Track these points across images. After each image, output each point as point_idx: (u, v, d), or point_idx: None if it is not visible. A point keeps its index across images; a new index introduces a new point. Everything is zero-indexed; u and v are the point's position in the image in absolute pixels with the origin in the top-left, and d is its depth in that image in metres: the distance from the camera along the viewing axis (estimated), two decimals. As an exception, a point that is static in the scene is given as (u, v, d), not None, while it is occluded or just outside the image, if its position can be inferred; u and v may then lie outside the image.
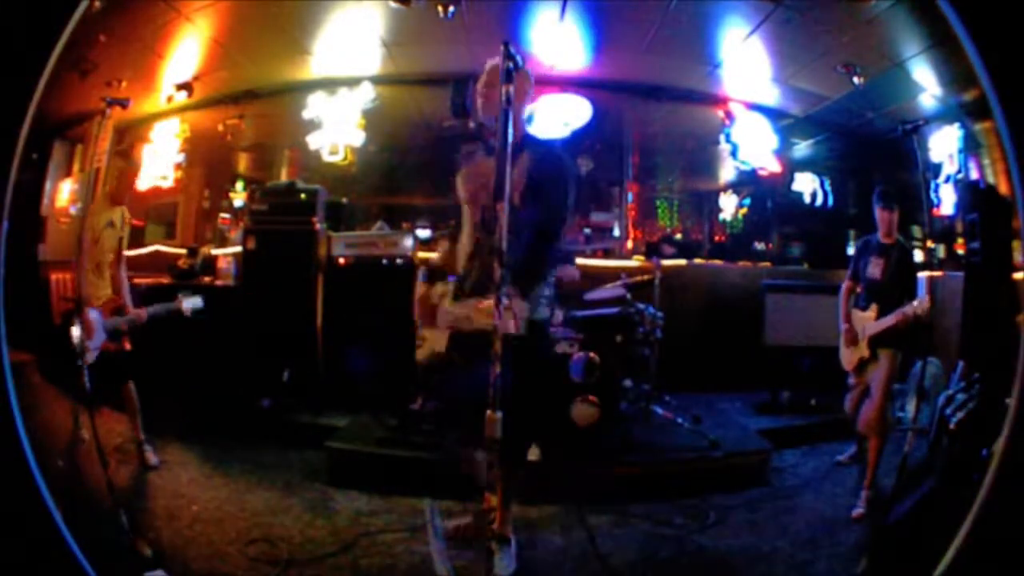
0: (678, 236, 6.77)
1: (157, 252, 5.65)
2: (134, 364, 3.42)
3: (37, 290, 4.36)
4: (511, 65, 1.74)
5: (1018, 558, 1.53)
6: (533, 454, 3.31)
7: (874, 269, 3.36)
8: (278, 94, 6.07)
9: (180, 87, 5.51)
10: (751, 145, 6.18)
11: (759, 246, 6.67)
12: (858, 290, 3.48)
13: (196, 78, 5.46)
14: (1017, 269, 3.48)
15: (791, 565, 2.61)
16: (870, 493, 3.08)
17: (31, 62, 1.55)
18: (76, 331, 3.10)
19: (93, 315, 3.25)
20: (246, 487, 3.20)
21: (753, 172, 6.28)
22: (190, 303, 3.55)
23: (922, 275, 3.84)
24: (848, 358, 3.44)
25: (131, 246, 3.82)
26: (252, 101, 6.00)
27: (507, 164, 1.67)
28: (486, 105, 2.42)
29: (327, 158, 5.85)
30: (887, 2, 3.99)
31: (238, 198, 6.03)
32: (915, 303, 2.97)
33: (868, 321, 3.29)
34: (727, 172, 6.54)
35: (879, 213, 3.35)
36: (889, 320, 3.10)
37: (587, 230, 6.24)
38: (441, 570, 2.49)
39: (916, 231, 4.63)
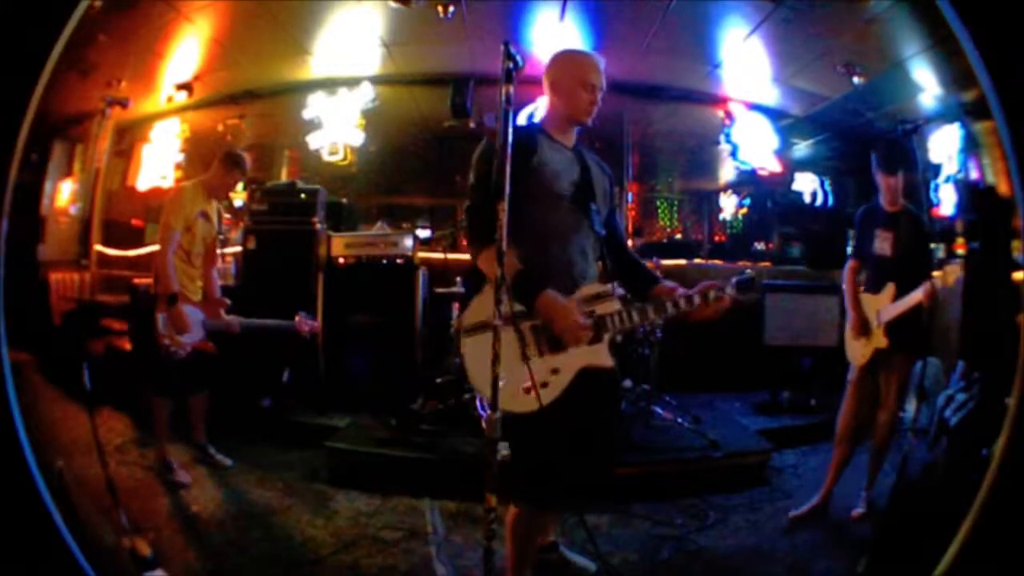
0: (677, 236, 6.78)
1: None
2: (219, 369, 3.33)
3: (37, 290, 4.37)
4: (511, 65, 1.74)
5: (1018, 558, 1.53)
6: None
7: (882, 244, 2.94)
8: (278, 94, 6.07)
9: (180, 87, 5.51)
10: (751, 145, 6.19)
11: (759, 246, 6.67)
12: (862, 276, 3.09)
13: (196, 78, 5.46)
14: (1017, 269, 3.47)
15: (791, 565, 2.61)
16: (870, 493, 3.07)
17: (31, 62, 1.55)
18: (161, 321, 3.01)
19: (188, 308, 3.13)
20: (246, 487, 3.20)
21: (753, 172, 6.29)
22: (309, 325, 3.36)
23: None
24: (859, 351, 2.98)
25: (131, 246, 3.75)
26: (252, 101, 6.01)
27: (507, 164, 1.67)
28: None
29: (327, 158, 5.85)
30: (887, 2, 3.99)
31: (238, 198, 6.02)
32: (946, 270, 2.60)
33: (884, 304, 2.88)
34: (727, 172, 6.55)
35: (881, 180, 2.94)
36: (916, 295, 2.70)
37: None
38: (441, 570, 2.49)
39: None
